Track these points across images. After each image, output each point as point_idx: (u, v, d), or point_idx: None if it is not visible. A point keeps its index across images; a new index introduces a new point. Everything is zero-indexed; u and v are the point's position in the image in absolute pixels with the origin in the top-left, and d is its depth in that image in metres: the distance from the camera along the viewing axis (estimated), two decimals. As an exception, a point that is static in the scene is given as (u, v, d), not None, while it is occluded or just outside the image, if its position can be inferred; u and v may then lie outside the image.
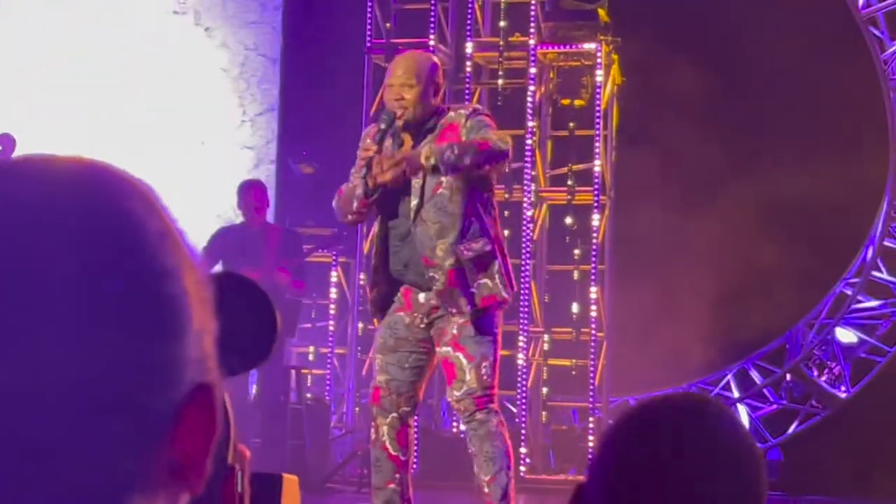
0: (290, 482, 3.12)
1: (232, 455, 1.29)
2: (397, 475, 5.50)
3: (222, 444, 1.26)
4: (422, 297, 5.56)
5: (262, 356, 1.26)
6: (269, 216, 9.76)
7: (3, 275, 0.72)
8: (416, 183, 5.52)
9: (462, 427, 5.57)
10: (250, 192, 9.18)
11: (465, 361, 5.47)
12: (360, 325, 10.73)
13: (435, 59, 5.95)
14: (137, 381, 0.75)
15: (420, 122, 5.54)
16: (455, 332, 5.48)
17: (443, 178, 5.45)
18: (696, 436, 1.67)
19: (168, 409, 0.76)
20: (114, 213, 0.76)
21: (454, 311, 5.48)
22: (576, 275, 10.51)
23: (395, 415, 5.52)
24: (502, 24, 10.81)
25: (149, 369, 0.75)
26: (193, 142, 10.93)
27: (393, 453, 5.51)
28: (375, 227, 5.73)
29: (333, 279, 10.76)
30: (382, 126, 5.55)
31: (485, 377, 5.47)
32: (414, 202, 5.51)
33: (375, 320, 5.84)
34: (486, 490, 5.44)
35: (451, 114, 5.60)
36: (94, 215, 0.76)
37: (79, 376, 0.73)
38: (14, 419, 0.72)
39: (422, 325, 5.56)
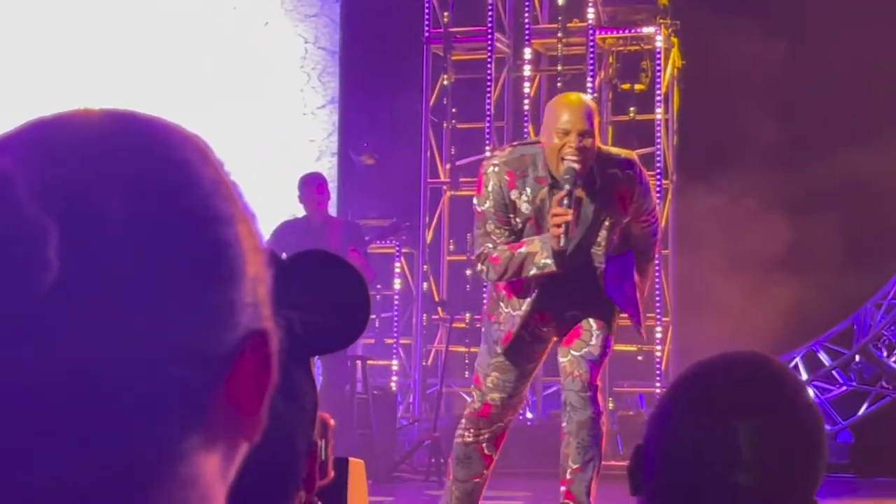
0: (357, 465, 3.14)
1: (317, 431, 1.30)
2: (485, 471, 5.48)
3: (308, 422, 1.27)
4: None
5: (354, 334, 1.26)
6: (332, 208, 9.79)
7: (61, 221, 0.73)
8: (581, 226, 5.23)
9: (564, 393, 5.35)
10: (311, 186, 9.22)
11: (594, 325, 5.31)
12: (424, 315, 10.76)
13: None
14: (194, 325, 0.76)
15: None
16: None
17: (605, 220, 5.23)
18: (754, 390, 1.64)
19: (224, 353, 0.77)
20: (167, 160, 0.78)
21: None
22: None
23: (500, 424, 5.47)
24: (560, 9, 10.78)
25: (205, 312, 0.77)
26: (255, 136, 10.99)
27: (487, 454, 5.47)
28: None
29: (397, 270, 10.78)
30: (568, 187, 5.06)
31: (606, 350, 5.34)
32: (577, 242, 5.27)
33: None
34: (569, 476, 5.33)
35: (618, 172, 5.24)
36: (147, 162, 0.77)
37: (138, 321, 0.74)
38: (75, 362, 0.73)
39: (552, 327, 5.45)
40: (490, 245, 5.26)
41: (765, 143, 10.18)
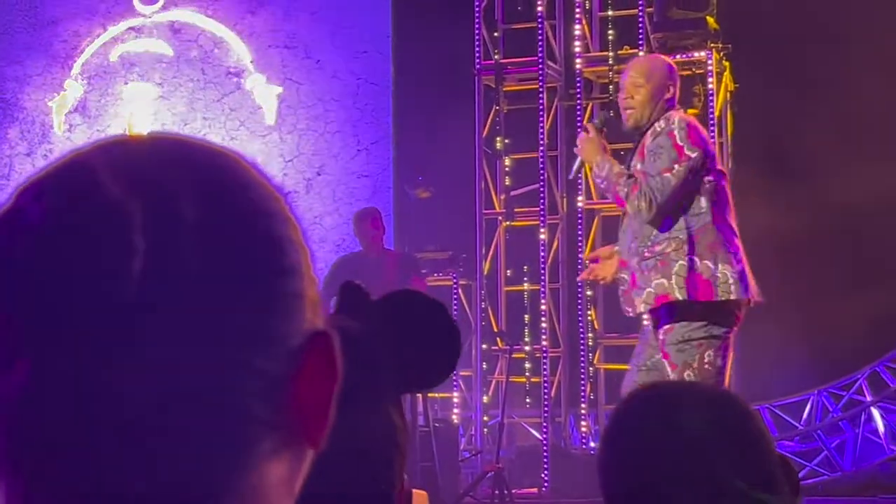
0: (420, 497, 3.15)
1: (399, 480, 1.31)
2: None
3: (398, 455, 1.28)
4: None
5: (445, 373, 1.27)
6: (389, 243, 9.82)
7: (143, 205, 0.75)
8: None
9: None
10: (366, 220, 9.26)
11: (669, 370, 5.27)
12: (484, 346, 10.74)
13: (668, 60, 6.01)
14: (268, 311, 0.77)
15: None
16: (661, 337, 5.32)
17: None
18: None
19: (294, 345, 0.79)
20: (226, 165, 0.81)
21: (630, 311, 5.41)
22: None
23: None
24: (611, 38, 10.79)
25: (275, 300, 0.78)
26: (310, 172, 11.06)
27: None
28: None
29: (455, 302, 10.79)
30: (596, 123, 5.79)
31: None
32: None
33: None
34: None
35: (658, 124, 5.64)
36: (211, 164, 0.80)
37: (218, 309, 0.75)
38: (166, 355, 0.74)
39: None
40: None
41: (820, 154, 10.10)
